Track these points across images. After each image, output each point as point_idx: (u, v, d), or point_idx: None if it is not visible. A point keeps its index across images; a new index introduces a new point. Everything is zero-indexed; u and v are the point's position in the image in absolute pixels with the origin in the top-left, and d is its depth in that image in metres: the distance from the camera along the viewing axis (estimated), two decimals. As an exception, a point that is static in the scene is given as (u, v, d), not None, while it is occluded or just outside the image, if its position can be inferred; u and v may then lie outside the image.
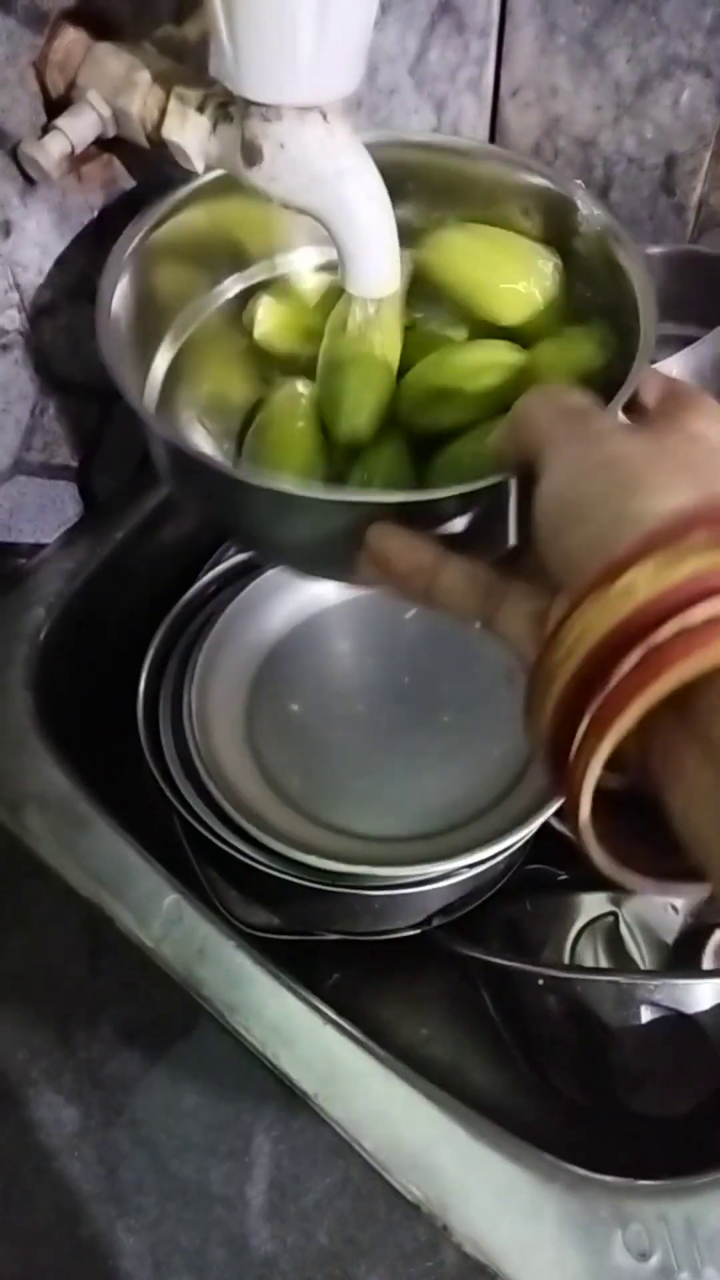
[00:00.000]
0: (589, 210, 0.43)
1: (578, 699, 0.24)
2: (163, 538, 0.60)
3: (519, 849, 0.53)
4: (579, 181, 0.44)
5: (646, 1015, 0.48)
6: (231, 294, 0.49)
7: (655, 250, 0.69)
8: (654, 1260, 0.36)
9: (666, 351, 0.65)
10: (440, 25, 0.63)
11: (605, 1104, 0.49)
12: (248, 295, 0.49)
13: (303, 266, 0.49)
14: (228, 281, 0.49)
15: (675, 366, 0.59)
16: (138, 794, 0.50)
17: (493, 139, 0.75)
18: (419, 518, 0.34)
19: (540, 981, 0.51)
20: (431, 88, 0.67)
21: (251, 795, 0.49)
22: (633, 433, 0.29)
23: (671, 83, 0.65)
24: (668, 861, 0.26)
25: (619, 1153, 0.42)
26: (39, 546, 0.57)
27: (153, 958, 0.43)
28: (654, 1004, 0.49)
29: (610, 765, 0.24)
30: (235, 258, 0.49)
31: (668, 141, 0.68)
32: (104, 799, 0.48)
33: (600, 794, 0.25)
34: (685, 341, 0.60)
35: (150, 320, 0.45)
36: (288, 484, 0.36)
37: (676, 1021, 0.49)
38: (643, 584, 0.23)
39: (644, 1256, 0.36)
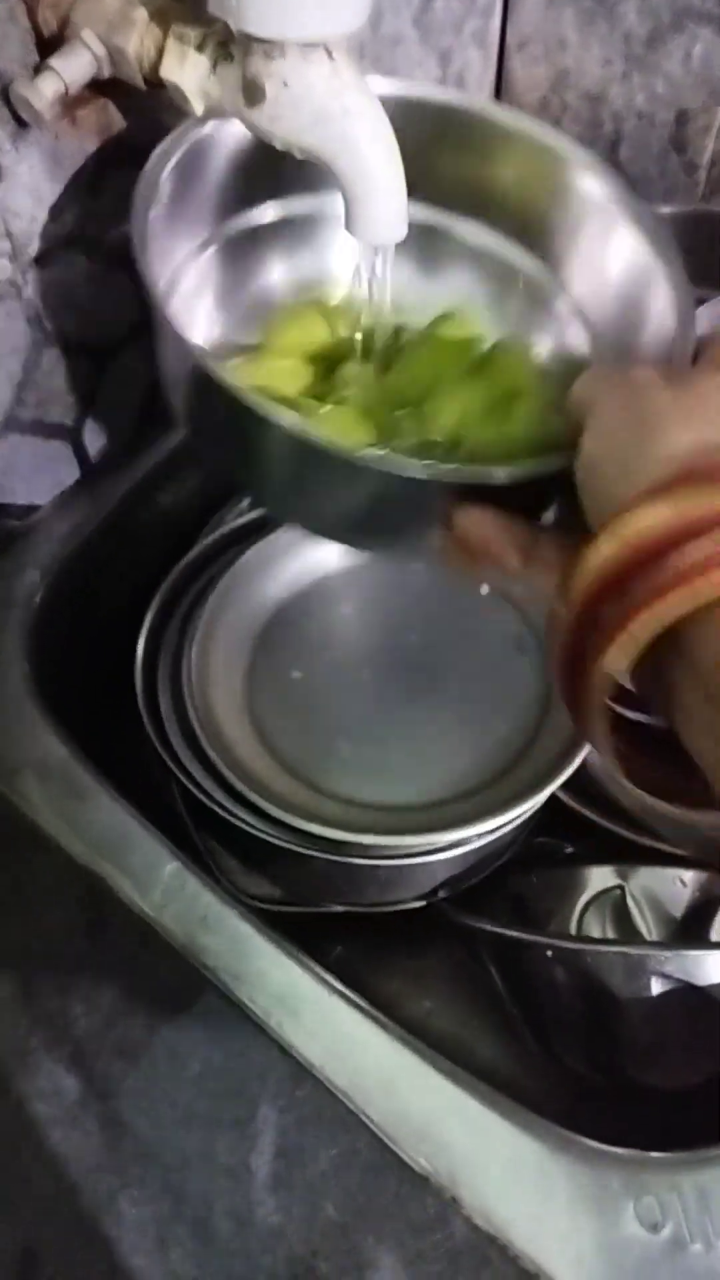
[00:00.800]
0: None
1: (587, 624, 0.26)
2: (161, 500, 0.59)
3: (526, 821, 0.52)
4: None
5: (656, 987, 0.48)
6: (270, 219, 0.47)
7: (665, 210, 0.68)
8: (666, 1232, 0.36)
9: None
10: (446, -27, 0.61)
11: (614, 1077, 0.49)
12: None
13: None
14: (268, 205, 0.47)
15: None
16: (137, 762, 0.49)
17: (499, 93, 0.73)
18: (479, 495, 0.33)
19: (548, 953, 0.50)
20: (437, 39, 0.65)
21: (252, 762, 0.48)
22: (669, 382, 0.29)
23: (683, 35, 0.64)
24: (693, 792, 0.28)
25: (628, 1126, 0.41)
26: (33, 508, 0.55)
27: (154, 927, 0.42)
28: (664, 976, 0.48)
29: (631, 703, 0.26)
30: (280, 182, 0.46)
31: (679, 97, 0.67)
32: (103, 767, 0.47)
33: (627, 732, 0.27)
34: (696, 303, 0.58)
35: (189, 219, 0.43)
36: (366, 453, 0.34)
37: (686, 993, 0.49)
38: (645, 522, 0.25)
39: (655, 1228, 0.35)
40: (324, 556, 0.56)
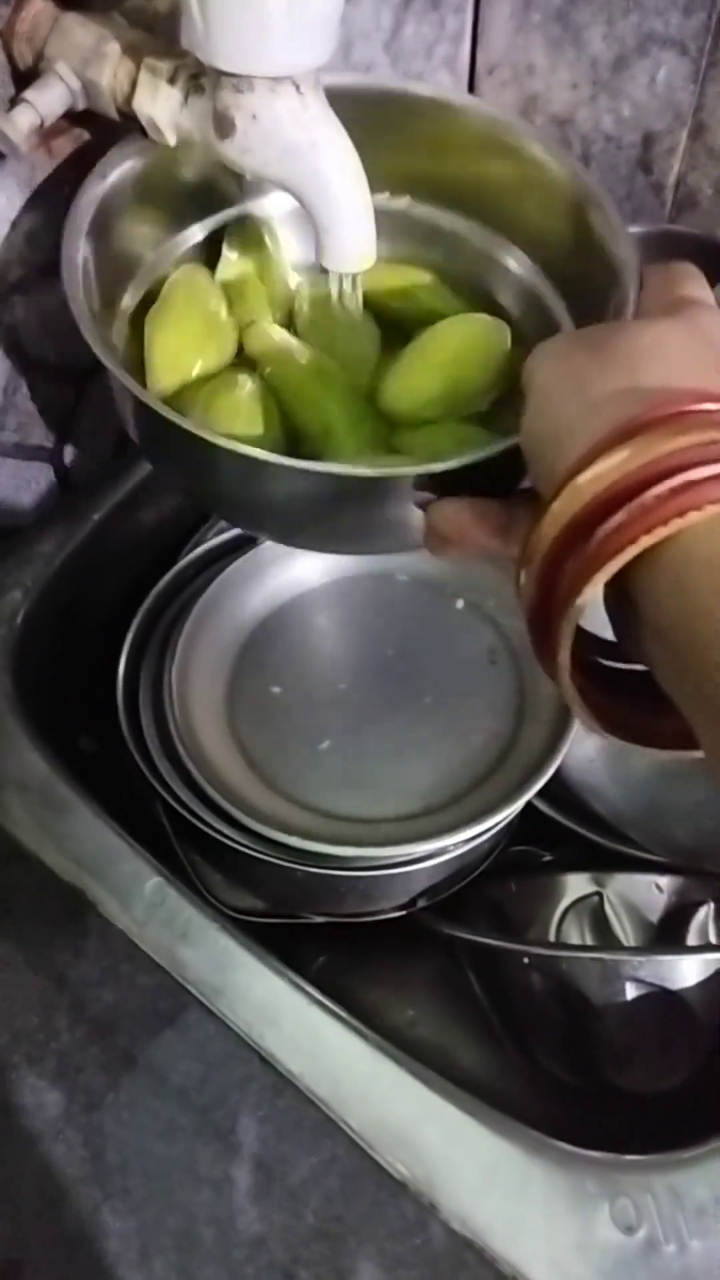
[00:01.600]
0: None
1: (551, 575, 0.27)
2: (141, 520, 0.60)
3: (503, 829, 0.53)
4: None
5: (631, 992, 0.49)
6: (196, 241, 0.48)
7: (634, 230, 0.69)
8: (641, 1233, 0.36)
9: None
10: (415, 1, 0.62)
11: (591, 1081, 0.49)
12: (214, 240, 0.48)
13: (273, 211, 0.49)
14: (193, 229, 0.48)
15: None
16: (119, 777, 0.50)
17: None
18: (441, 482, 0.34)
19: (526, 960, 0.51)
20: (407, 64, 0.66)
21: (233, 777, 0.49)
22: (598, 337, 0.30)
23: (648, 60, 0.65)
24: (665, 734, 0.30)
25: (605, 1129, 0.42)
26: (15, 530, 0.56)
27: (136, 941, 0.42)
28: (639, 981, 0.49)
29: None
30: (200, 204, 0.48)
31: (644, 119, 0.68)
32: (85, 782, 0.48)
33: (602, 682, 0.29)
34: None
35: (116, 273, 0.44)
36: (311, 464, 0.35)
37: (661, 998, 0.50)
38: (583, 486, 0.26)
39: (630, 1230, 0.36)
40: (302, 573, 0.56)
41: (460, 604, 0.56)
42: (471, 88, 0.73)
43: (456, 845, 0.49)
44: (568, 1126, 0.40)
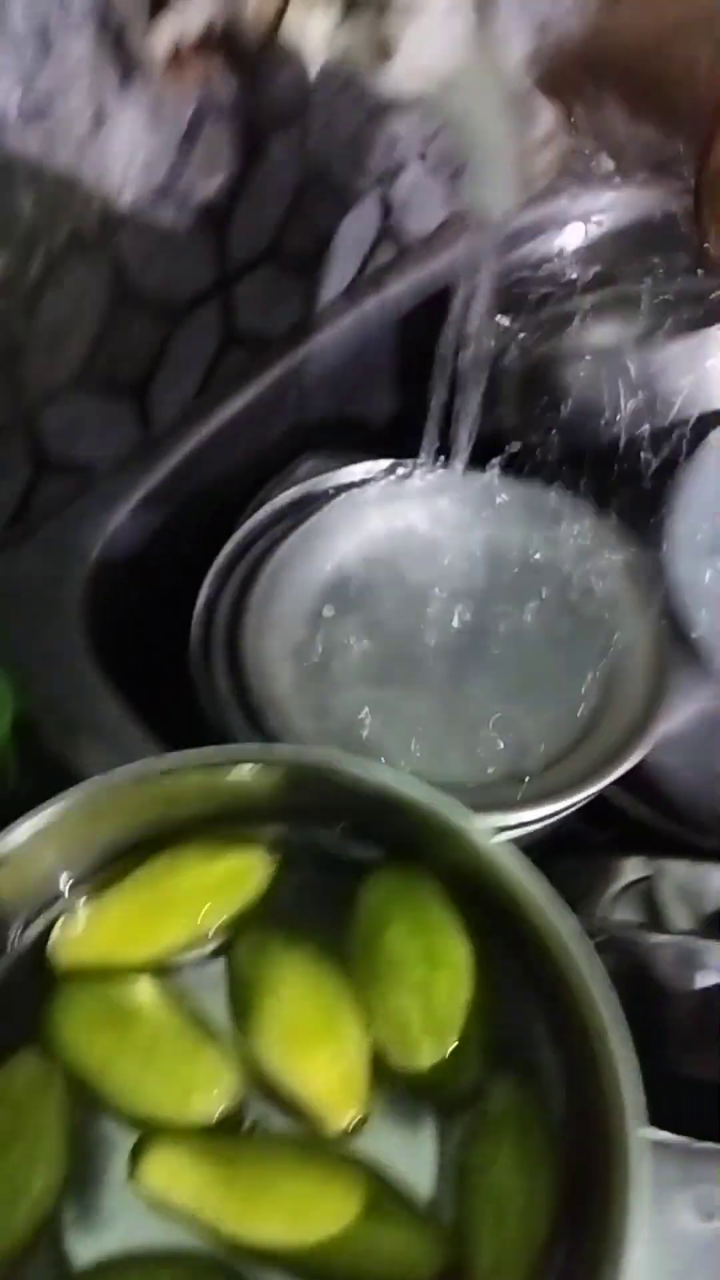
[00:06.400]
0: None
1: None
2: (219, 465, 0.58)
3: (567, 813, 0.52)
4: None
5: (702, 980, 0.48)
6: None
7: None
8: (720, 1221, 0.36)
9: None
10: None
11: (659, 1066, 0.49)
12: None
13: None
14: None
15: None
16: (193, 724, 0.49)
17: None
18: None
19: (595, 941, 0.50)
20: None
21: (304, 731, 0.48)
22: None
23: None
24: None
25: (675, 1115, 0.41)
26: (90, 468, 0.54)
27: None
28: (709, 968, 0.48)
29: None
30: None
31: None
32: (158, 729, 0.47)
33: None
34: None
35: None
36: None
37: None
38: None
39: (711, 1217, 0.36)
40: (386, 528, 0.55)
41: (544, 571, 0.55)
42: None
43: (528, 824, 0.48)
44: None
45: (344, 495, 0.55)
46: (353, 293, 0.66)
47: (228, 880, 0.38)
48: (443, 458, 0.55)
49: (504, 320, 0.59)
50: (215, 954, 0.38)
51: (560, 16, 0.38)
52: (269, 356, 0.61)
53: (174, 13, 0.39)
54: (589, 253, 0.70)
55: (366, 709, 0.50)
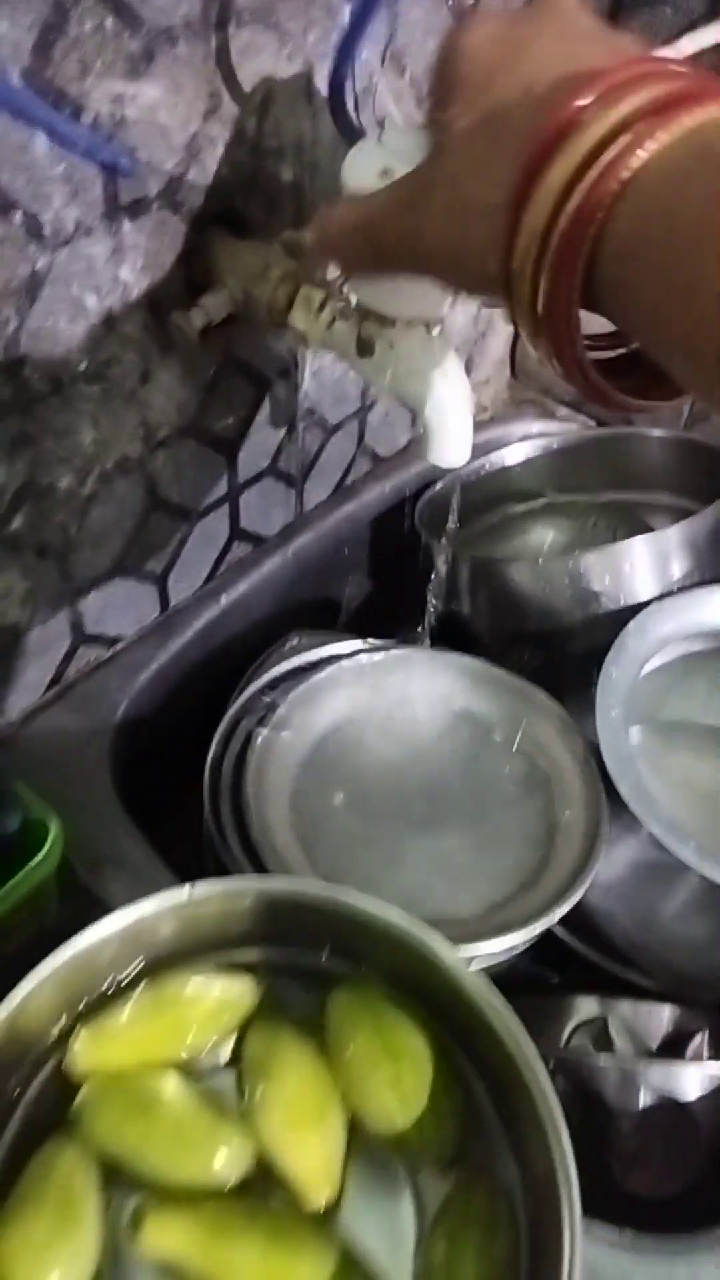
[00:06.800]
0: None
1: (562, 259, 0.29)
2: (224, 638, 0.68)
3: (521, 948, 0.59)
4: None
5: (644, 1100, 0.54)
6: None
7: (655, 433, 0.81)
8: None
9: (665, 520, 0.76)
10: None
11: (600, 1182, 0.54)
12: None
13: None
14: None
15: (675, 535, 0.68)
16: (202, 857, 0.56)
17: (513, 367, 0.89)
18: None
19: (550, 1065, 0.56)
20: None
21: (295, 869, 0.55)
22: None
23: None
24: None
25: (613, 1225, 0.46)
26: (120, 639, 0.64)
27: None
28: (651, 1089, 0.54)
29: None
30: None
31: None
32: (170, 860, 0.54)
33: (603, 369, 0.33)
34: (683, 513, 0.70)
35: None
36: None
37: (670, 1108, 0.54)
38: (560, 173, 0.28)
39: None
40: (364, 698, 0.64)
41: (498, 738, 0.64)
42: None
43: (487, 955, 0.54)
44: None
45: (327, 668, 0.65)
46: (334, 499, 0.78)
47: (221, 1005, 0.44)
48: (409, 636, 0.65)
49: (454, 525, 0.70)
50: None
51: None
52: (266, 549, 0.73)
53: (207, 301, 0.52)
54: (525, 468, 0.83)
55: (345, 854, 0.57)
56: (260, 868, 0.55)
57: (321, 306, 0.50)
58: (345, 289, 0.48)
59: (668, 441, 0.79)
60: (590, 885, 0.65)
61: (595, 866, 0.57)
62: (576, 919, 0.65)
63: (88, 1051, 0.42)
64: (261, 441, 0.66)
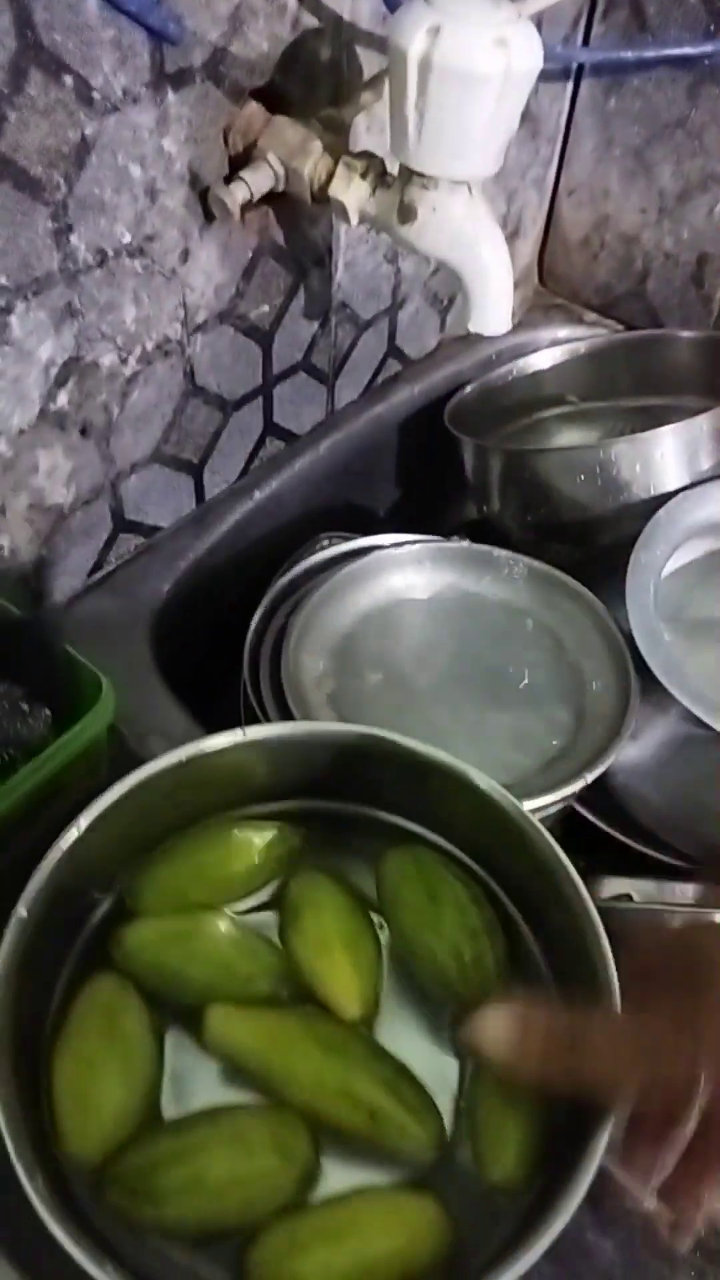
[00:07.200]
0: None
1: None
2: (257, 534, 0.70)
3: (555, 809, 0.60)
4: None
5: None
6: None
7: (684, 334, 0.81)
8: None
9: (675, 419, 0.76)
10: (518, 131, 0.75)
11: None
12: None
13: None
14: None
15: (705, 424, 0.69)
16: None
17: (548, 230, 0.88)
18: None
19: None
20: (505, 181, 0.79)
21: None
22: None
23: (708, 195, 0.78)
24: None
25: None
26: (158, 528, 0.65)
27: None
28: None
29: None
30: None
31: (700, 243, 0.81)
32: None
33: None
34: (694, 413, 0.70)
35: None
36: None
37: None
38: None
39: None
40: (393, 586, 0.66)
41: (529, 623, 0.66)
42: (553, 205, 0.86)
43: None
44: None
45: (365, 556, 0.66)
46: (365, 400, 0.79)
47: (267, 850, 0.46)
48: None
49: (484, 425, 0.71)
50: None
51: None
52: (298, 448, 0.73)
53: (248, 175, 0.52)
54: (553, 373, 0.84)
55: (380, 723, 0.59)
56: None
57: (364, 175, 0.51)
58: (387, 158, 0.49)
59: (697, 342, 0.79)
60: (618, 768, 0.67)
61: (629, 731, 0.58)
62: (604, 803, 0.67)
63: (142, 892, 0.44)
64: (295, 333, 0.66)
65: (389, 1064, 0.40)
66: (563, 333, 0.88)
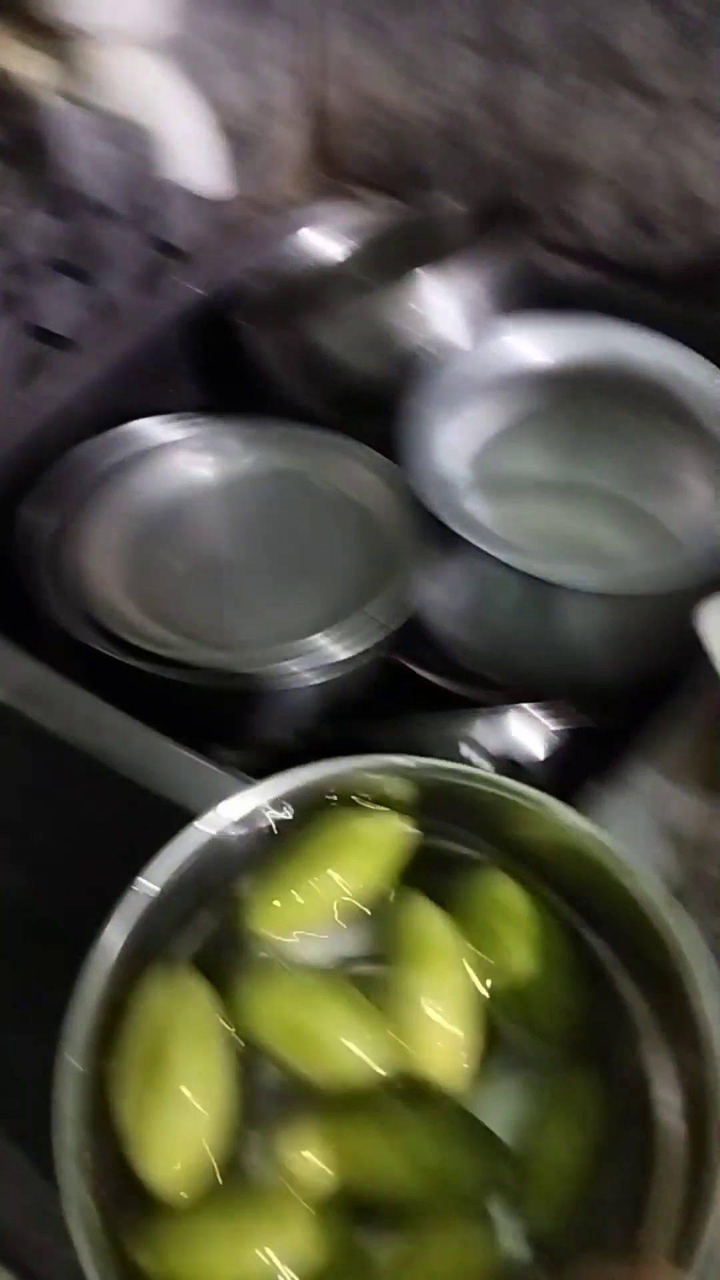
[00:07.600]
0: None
1: None
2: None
3: (367, 667, 0.62)
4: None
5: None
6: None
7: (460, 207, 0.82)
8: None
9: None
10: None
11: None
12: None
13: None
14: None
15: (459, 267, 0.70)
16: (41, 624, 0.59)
17: (318, 116, 0.88)
18: None
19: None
20: (254, 68, 0.79)
21: (131, 618, 0.58)
22: None
23: (453, 56, 0.79)
24: None
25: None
26: None
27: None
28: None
29: None
30: None
31: (458, 105, 0.82)
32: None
33: None
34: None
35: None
36: None
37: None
38: None
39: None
40: (190, 472, 0.67)
41: (324, 490, 0.68)
42: (317, 90, 0.86)
43: (318, 667, 0.58)
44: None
45: (149, 446, 0.67)
46: (140, 298, 0.78)
47: (386, 837, 0.42)
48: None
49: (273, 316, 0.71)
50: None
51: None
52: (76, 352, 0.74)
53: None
54: (342, 260, 0.85)
55: (177, 595, 0.60)
56: (94, 624, 0.58)
57: (38, 45, 0.51)
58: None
59: (470, 216, 0.81)
60: (438, 620, 0.68)
61: (422, 580, 0.61)
62: (421, 650, 0.69)
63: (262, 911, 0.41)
64: (45, 232, 0.66)
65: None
66: (343, 217, 0.89)
